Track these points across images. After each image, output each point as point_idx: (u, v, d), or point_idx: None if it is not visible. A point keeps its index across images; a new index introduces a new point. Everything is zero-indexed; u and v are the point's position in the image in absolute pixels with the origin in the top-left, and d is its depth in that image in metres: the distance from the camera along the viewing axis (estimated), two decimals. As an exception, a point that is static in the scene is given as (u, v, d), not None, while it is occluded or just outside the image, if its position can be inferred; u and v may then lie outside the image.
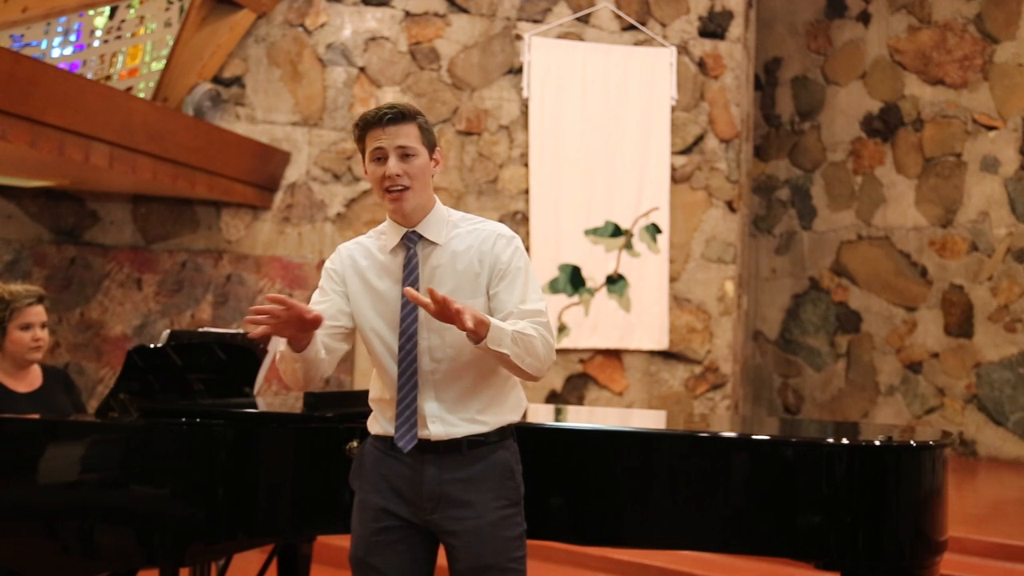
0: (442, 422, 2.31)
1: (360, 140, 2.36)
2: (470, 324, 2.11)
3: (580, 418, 3.48)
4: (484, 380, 2.34)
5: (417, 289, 2.30)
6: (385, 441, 2.36)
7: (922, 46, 8.63)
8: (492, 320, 2.19)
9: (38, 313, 3.29)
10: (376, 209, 7.14)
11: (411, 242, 2.36)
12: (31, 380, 3.35)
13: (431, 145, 2.38)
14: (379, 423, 2.39)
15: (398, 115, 2.31)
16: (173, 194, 6.69)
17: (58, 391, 3.40)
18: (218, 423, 2.85)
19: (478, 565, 2.30)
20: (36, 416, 3.16)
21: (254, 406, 3.26)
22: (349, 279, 2.40)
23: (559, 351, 2.57)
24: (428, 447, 2.31)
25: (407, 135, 2.31)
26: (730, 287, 7.59)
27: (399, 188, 2.31)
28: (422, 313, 2.29)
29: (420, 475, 2.31)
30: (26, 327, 3.25)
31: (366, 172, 2.38)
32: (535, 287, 2.38)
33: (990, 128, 8.27)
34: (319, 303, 2.39)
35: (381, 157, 2.32)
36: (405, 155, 2.31)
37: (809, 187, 9.21)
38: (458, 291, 2.30)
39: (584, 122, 7.38)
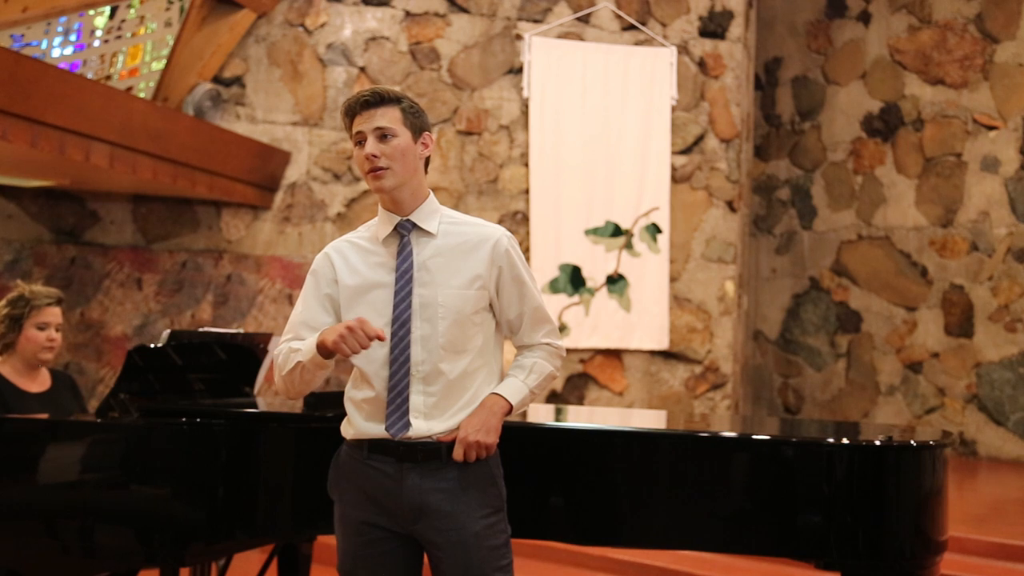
0: (425, 417, 2.27)
1: (348, 129, 2.36)
2: (495, 438, 2.30)
3: (580, 418, 3.47)
4: (469, 377, 2.32)
5: (410, 279, 2.30)
6: (360, 448, 2.32)
7: (922, 46, 8.63)
8: (511, 400, 2.33)
9: (55, 314, 3.32)
10: (376, 208, 7.13)
11: (405, 230, 2.35)
12: (41, 381, 3.37)
13: (417, 129, 2.35)
14: (353, 426, 2.34)
15: (377, 98, 2.31)
16: (173, 194, 6.69)
17: (66, 394, 3.42)
18: (218, 423, 2.85)
19: None
20: (38, 416, 3.17)
21: (254, 406, 3.26)
22: (341, 276, 2.36)
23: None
24: (407, 455, 2.27)
25: (385, 116, 2.31)
26: (730, 287, 7.59)
27: (378, 168, 2.30)
28: (416, 301, 2.29)
29: (400, 485, 2.27)
30: (42, 327, 3.28)
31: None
32: (537, 287, 2.45)
33: (990, 128, 8.27)
34: (304, 320, 2.38)
35: (361, 140, 2.32)
36: (383, 136, 2.30)
37: (809, 187, 9.21)
38: (450, 283, 2.31)
39: (584, 122, 7.38)
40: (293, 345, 2.33)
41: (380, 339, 2.19)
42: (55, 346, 3.32)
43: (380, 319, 2.30)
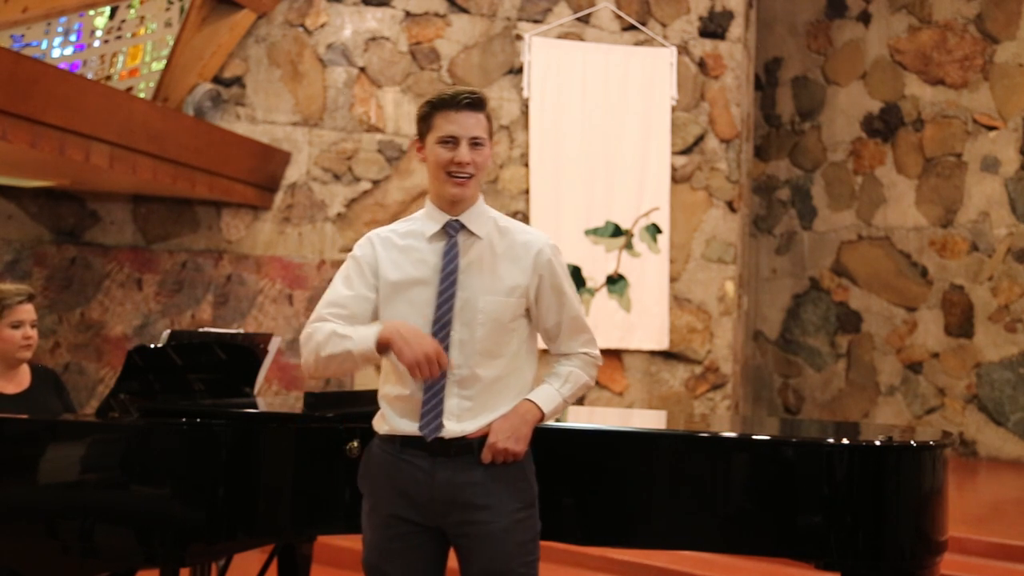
0: (457, 419, 2.28)
1: (427, 118, 2.32)
2: (523, 445, 2.32)
3: (580, 418, 3.47)
4: (502, 381, 2.32)
5: (454, 282, 2.29)
6: (393, 443, 2.32)
7: (922, 46, 8.63)
8: (544, 408, 2.34)
9: (28, 311, 3.28)
10: (377, 209, 7.14)
11: (453, 230, 2.33)
12: (20, 381, 3.32)
13: (491, 135, 2.37)
14: (387, 422, 2.33)
15: (477, 101, 2.31)
16: (173, 194, 6.69)
17: (47, 392, 3.37)
18: (218, 423, 2.84)
19: (490, 569, 2.27)
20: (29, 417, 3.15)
21: (254, 406, 3.26)
22: (383, 267, 2.34)
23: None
24: (440, 449, 2.28)
25: (480, 125, 2.31)
26: (730, 287, 7.59)
27: (466, 175, 2.30)
28: (457, 304, 2.29)
29: (432, 479, 2.28)
30: (17, 325, 3.25)
31: (420, 149, 2.35)
32: (577, 296, 2.47)
33: (990, 128, 8.27)
34: (348, 299, 2.33)
35: (451, 142, 2.29)
36: (476, 144, 2.30)
37: (809, 187, 9.21)
38: (491, 289, 2.31)
39: (584, 122, 7.38)
40: (338, 330, 2.27)
41: (450, 370, 2.25)
42: (32, 343, 3.28)
43: (419, 318, 2.29)
